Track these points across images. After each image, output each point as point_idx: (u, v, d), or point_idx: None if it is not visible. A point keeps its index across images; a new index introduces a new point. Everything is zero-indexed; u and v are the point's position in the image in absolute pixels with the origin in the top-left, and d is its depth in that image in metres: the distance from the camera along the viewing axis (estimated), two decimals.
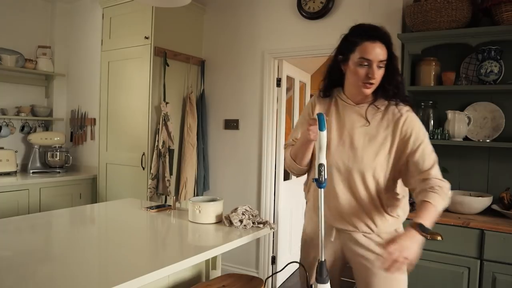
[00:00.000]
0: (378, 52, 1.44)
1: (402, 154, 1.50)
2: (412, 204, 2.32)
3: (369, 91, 1.51)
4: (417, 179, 1.45)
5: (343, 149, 1.55)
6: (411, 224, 1.32)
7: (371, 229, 1.55)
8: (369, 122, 1.54)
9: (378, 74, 1.47)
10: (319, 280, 1.36)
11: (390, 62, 1.49)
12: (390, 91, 1.52)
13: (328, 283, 1.37)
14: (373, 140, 1.52)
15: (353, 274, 1.64)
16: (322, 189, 1.40)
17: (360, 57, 1.45)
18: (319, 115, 1.40)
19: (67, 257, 1.47)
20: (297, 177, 1.75)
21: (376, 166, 1.51)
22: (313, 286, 1.38)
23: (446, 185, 1.42)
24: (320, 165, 1.39)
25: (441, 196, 1.38)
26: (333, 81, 1.63)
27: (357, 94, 1.56)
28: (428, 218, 1.33)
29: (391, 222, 1.56)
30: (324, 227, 1.44)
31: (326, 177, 1.39)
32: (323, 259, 1.38)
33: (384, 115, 1.54)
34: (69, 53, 4.06)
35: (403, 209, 1.60)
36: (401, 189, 1.57)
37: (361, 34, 1.47)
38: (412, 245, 1.27)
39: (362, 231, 1.56)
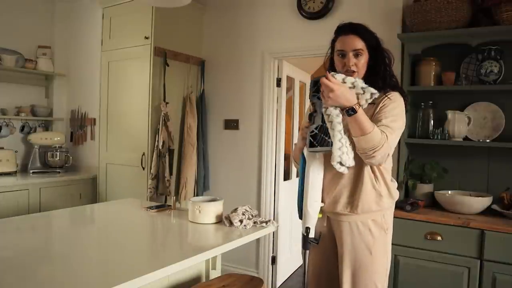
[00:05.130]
0: (350, 42, 1.60)
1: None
2: (412, 204, 2.35)
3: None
4: None
5: None
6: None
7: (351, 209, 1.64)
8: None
9: (357, 62, 1.60)
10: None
11: (374, 54, 1.62)
12: (378, 81, 1.60)
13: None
14: None
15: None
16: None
17: (337, 50, 1.64)
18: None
19: (67, 257, 1.47)
20: None
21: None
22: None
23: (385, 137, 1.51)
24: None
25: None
26: None
27: None
28: (363, 115, 1.47)
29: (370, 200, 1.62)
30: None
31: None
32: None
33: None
34: (69, 53, 4.05)
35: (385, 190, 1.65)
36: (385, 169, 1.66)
37: (338, 30, 1.67)
38: (340, 93, 1.44)
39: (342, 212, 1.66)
